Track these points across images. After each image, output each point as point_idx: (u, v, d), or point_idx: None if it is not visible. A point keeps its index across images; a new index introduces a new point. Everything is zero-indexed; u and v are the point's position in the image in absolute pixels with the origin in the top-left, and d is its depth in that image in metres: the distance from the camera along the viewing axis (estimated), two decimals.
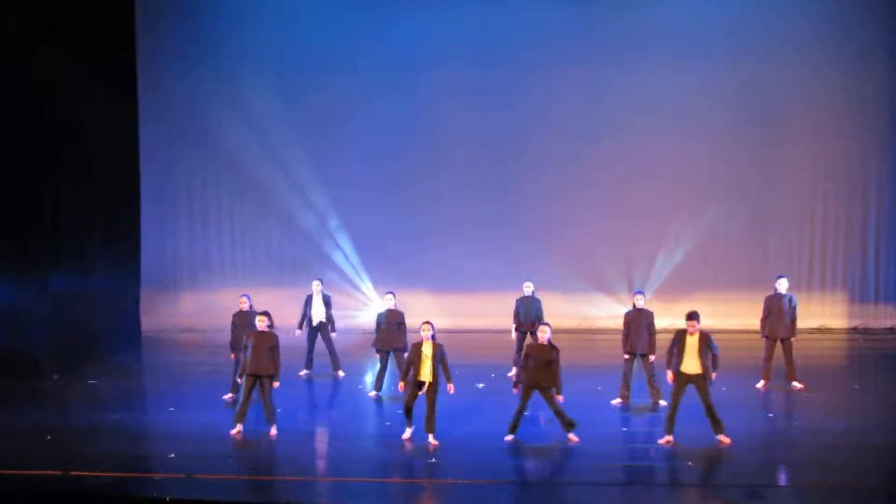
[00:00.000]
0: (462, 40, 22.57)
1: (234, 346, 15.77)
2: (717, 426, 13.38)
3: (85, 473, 12.41)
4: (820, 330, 21.98)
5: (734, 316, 21.39)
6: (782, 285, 16.82)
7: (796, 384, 16.52)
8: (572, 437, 13.58)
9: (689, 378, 13.46)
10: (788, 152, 22.09)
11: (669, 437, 13.44)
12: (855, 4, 21.83)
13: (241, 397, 14.04)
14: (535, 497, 12.08)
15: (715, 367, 13.55)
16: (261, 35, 22.96)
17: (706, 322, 20.84)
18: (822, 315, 22.23)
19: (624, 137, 22.21)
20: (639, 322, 15.68)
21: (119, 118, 22.18)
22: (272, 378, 14.00)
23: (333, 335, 18.04)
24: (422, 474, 12.72)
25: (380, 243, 22.83)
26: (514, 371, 16.97)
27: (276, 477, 12.79)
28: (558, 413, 13.60)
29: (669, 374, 13.67)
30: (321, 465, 13.45)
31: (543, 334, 13.72)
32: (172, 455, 13.12)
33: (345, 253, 23.06)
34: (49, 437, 13.97)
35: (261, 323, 14.07)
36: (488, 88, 22.53)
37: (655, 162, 22.23)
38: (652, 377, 15.58)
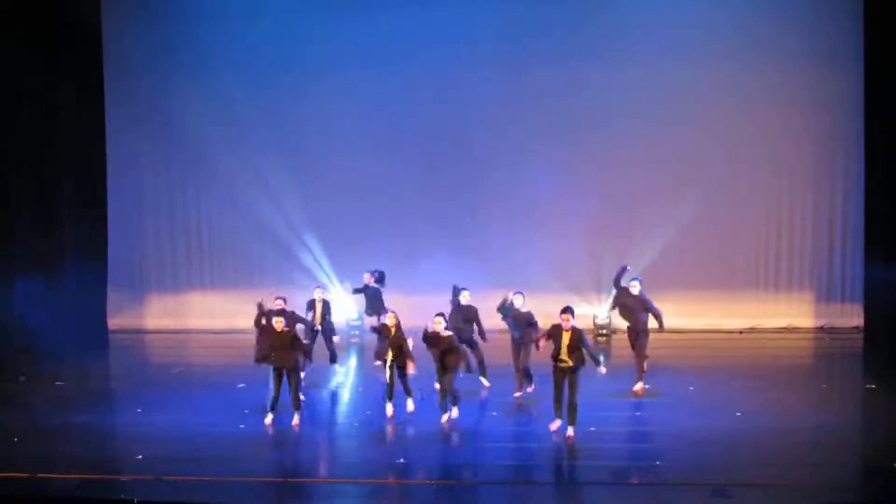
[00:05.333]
0: (432, 39, 22.48)
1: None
2: (573, 418, 13.65)
3: (53, 475, 12.37)
4: (787, 329, 22.10)
5: (701, 316, 21.54)
6: (635, 288, 16.44)
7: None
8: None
9: (564, 371, 13.72)
10: (755, 152, 22.12)
11: (558, 421, 13.88)
12: (821, 6, 21.93)
13: (272, 389, 14.33)
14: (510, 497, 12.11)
15: (596, 361, 13.93)
16: (230, 35, 22.85)
17: (674, 322, 21.26)
18: (789, 314, 22.28)
19: (593, 137, 22.20)
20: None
21: (86, 121, 22.28)
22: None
23: (336, 339, 18.22)
24: (391, 475, 12.69)
25: (350, 244, 22.71)
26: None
27: (244, 479, 12.70)
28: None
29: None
30: (289, 466, 13.39)
31: (438, 325, 14.31)
32: (140, 457, 13.06)
33: (314, 254, 22.97)
34: (16, 439, 13.92)
35: (278, 324, 14.37)
36: (463, 87, 22.46)
37: (622, 162, 22.20)
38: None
